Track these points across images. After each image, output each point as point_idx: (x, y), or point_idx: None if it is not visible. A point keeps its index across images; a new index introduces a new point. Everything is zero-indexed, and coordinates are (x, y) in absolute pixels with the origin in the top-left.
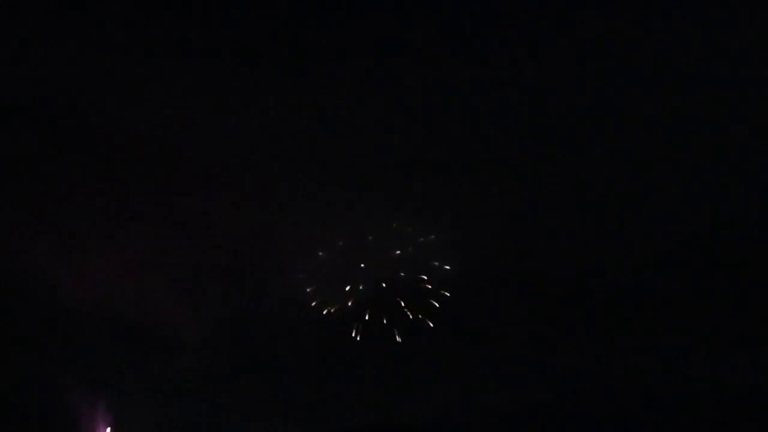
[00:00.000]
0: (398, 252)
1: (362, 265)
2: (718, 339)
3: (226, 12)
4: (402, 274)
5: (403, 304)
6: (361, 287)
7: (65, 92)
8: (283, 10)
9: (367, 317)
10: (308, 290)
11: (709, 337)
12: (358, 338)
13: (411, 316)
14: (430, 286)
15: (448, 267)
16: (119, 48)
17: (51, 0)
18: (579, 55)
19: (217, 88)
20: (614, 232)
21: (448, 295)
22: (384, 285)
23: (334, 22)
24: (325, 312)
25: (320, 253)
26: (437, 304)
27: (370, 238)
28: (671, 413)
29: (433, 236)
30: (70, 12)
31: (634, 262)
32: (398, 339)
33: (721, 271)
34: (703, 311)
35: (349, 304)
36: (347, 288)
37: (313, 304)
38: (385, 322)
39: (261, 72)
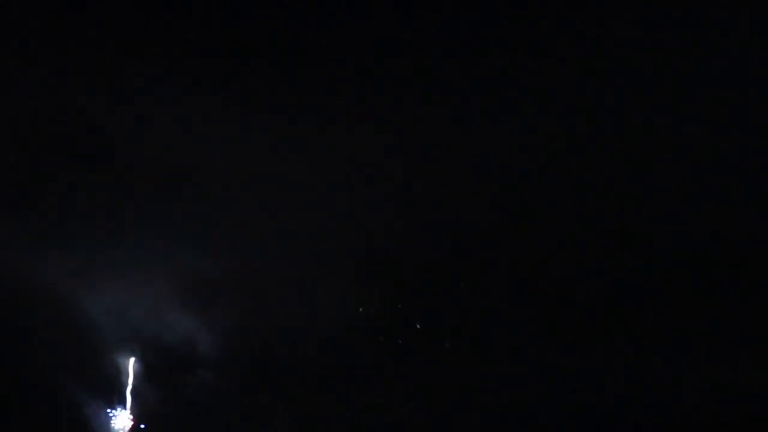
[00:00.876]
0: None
1: (376, 287)
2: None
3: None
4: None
5: (418, 327)
6: (373, 308)
7: (79, 107)
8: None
9: (381, 338)
10: (321, 310)
11: (711, 340)
12: (371, 359)
13: (427, 338)
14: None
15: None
16: (124, 57)
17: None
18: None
19: (233, 101)
20: (619, 235)
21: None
22: (399, 306)
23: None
24: (336, 332)
25: (333, 271)
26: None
27: (386, 253)
28: (674, 417)
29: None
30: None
31: (641, 267)
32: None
33: (723, 272)
34: (707, 314)
35: (363, 324)
36: (360, 309)
37: (326, 323)
38: (400, 342)
39: (275, 83)
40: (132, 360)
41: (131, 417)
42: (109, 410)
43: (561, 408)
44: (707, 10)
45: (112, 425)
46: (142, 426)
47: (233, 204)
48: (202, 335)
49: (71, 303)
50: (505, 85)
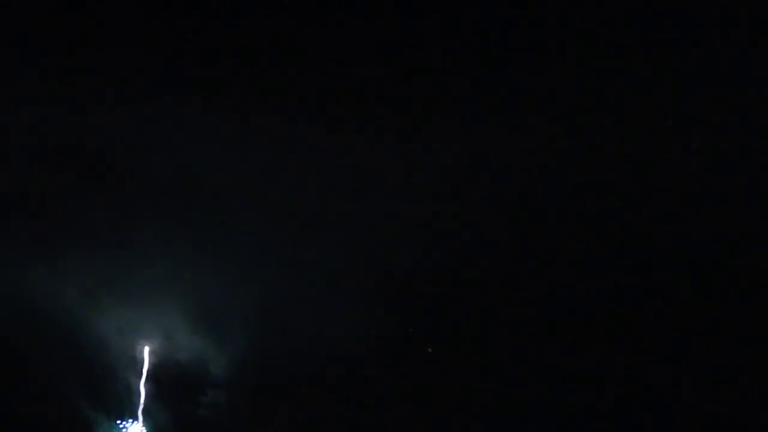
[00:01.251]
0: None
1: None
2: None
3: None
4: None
5: (430, 350)
6: (385, 329)
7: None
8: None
9: (392, 360)
10: (334, 331)
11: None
12: (382, 380)
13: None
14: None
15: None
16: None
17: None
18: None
19: (249, 122)
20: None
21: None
22: (411, 330)
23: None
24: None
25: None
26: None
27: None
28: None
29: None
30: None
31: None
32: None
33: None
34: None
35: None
36: (372, 331)
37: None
38: (411, 365)
39: (298, 109)
40: (143, 378)
41: (143, 429)
42: (120, 423)
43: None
44: (707, 10)
45: None
46: None
47: (245, 227)
48: (213, 356)
49: (84, 325)
50: (504, 85)
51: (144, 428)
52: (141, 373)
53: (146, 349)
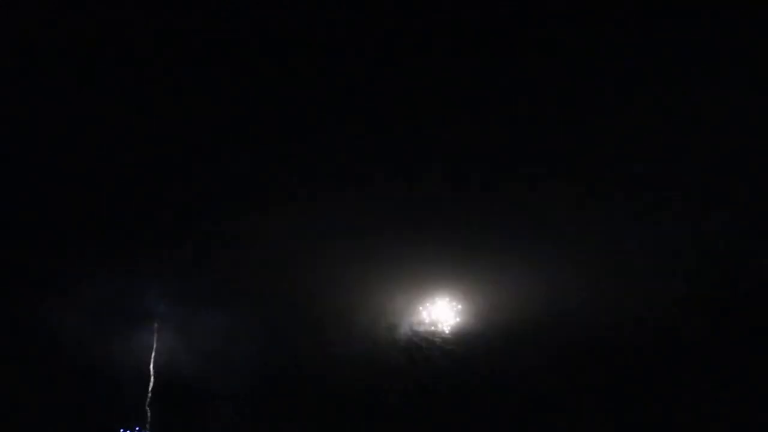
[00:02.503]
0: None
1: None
2: None
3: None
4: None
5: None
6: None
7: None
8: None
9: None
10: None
11: None
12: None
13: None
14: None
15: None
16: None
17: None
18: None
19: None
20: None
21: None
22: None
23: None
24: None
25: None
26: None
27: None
28: None
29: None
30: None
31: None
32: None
33: None
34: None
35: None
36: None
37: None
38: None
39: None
40: (149, 393)
41: None
42: None
43: None
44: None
45: None
46: None
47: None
48: (222, 369)
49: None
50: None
51: None
52: (148, 388)
53: (152, 364)
